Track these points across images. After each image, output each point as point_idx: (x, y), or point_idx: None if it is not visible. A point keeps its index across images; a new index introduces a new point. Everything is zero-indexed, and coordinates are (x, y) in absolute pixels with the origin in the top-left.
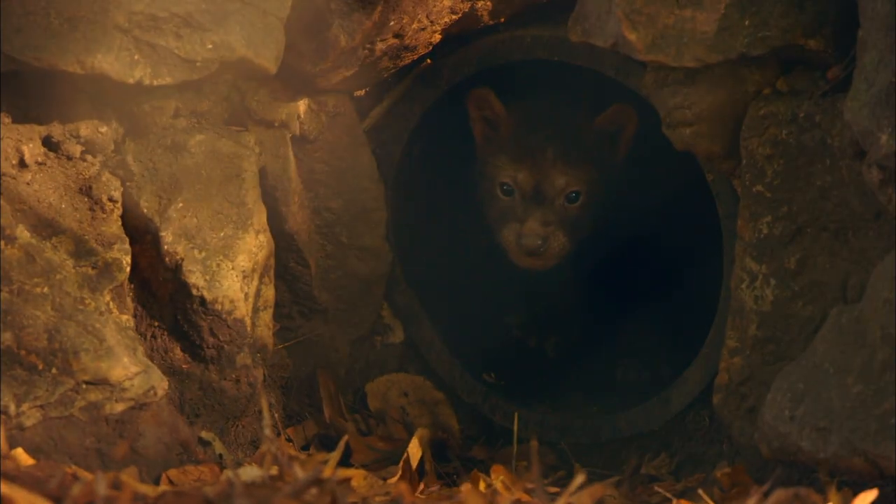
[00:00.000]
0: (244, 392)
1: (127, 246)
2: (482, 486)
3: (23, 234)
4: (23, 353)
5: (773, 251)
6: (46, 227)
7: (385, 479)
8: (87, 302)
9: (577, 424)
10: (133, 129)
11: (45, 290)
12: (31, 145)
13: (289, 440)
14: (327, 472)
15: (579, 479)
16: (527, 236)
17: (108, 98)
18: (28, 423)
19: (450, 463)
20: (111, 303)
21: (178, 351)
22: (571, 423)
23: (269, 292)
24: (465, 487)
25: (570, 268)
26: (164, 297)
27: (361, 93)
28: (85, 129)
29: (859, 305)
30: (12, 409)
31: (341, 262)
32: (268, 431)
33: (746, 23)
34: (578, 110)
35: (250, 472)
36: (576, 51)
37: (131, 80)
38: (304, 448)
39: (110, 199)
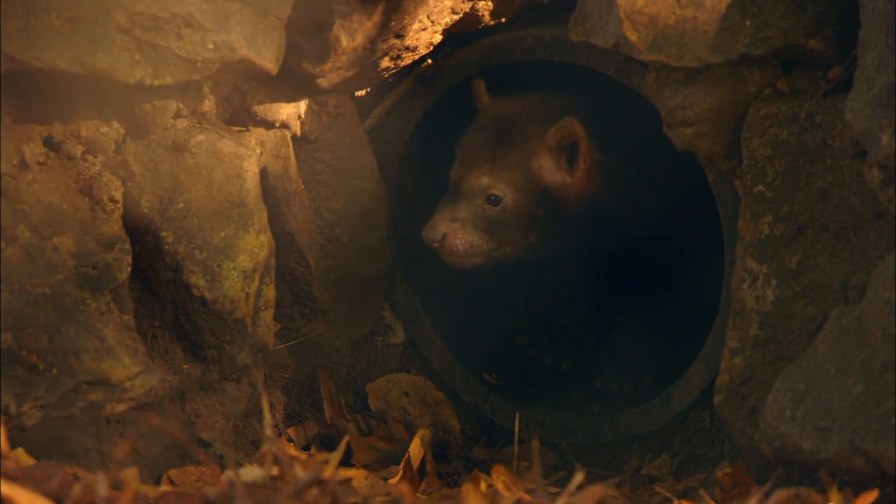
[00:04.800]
0: (245, 392)
1: (128, 246)
2: (483, 486)
3: (23, 234)
4: (24, 352)
5: (774, 251)
6: (47, 228)
7: (386, 480)
8: (87, 302)
9: (578, 425)
10: (134, 130)
11: (46, 290)
12: (31, 145)
13: (290, 440)
14: (328, 473)
15: (578, 477)
16: (427, 227)
17: (109, 98)
18: (29, 422)
19: (451, 463)
20: (112, 303)
21: (178, 351)
22: (572, 424)
23: (270, 292)
24: (466, 488)
25: (569, 268)
26: (164, 297)
27: (362, 93)
28: (86, 129)
29: (860, 306)
30: (13, 408)
31: (342, 262)
32: (268, 431)
33: (747, 23)
34: (544, 117)
35: (251, 473)
36: (577, 51)
37: (132, 81)
38: (305, 448)
39: (111, 200)
